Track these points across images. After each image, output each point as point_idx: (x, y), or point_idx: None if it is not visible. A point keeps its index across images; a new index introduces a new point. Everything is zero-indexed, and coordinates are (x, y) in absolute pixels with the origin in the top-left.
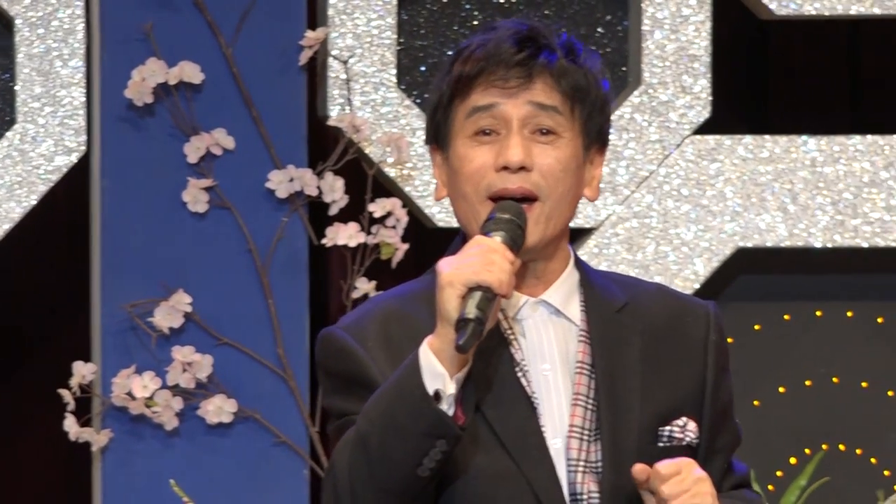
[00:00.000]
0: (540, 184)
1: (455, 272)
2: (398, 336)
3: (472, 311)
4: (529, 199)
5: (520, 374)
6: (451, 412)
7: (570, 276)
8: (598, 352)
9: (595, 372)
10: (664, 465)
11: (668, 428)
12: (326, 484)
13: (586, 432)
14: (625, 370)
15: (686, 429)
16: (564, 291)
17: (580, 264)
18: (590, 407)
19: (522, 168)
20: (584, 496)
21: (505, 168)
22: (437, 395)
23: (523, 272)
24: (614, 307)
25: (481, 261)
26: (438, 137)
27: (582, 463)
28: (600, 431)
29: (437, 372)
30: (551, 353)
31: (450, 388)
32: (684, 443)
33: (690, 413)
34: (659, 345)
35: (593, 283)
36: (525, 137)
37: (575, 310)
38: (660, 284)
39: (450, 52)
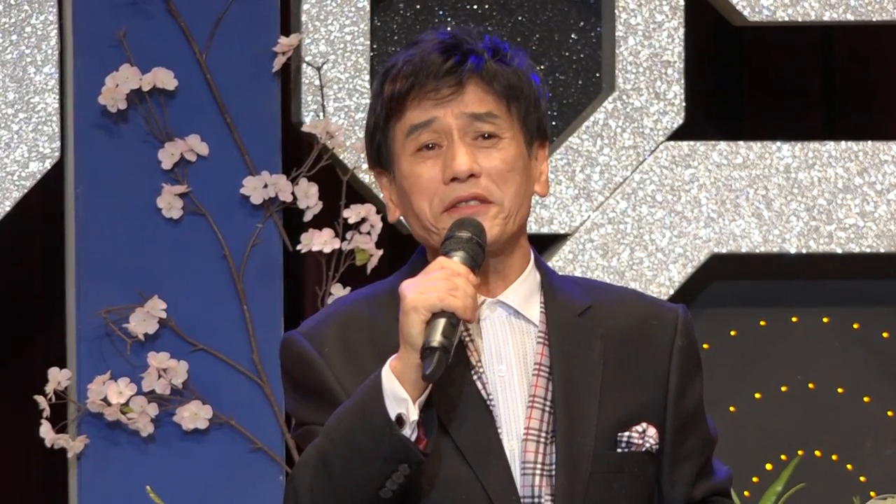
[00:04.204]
0: (490, 188)
1: (419, 297)
2: (357, 341)
3: (437, 339)
4: (481, 201)
5: (475, 377)
6: (413, 437)
7: (529, 277)
8: (556, 354)
9: (552, 375)
10: None
11: (626, 434)
12: (288, 500)
13: (543, 435)
14: (583, 374)
15: (645, 435)
16: (524, 292)
17: (541, 266)
18: (546, 409)
19: (471, 176)
20: (539, 499)
21: (454, 179)
22: (400, 420)
23: (482, 271)
24: (576, 310)
25: (445, 285)
26: (381, 159)
27: (539, 466)
28: (555, 435)
29: (400, 397)
30: (507, 354)
31: (412, 413)
32: (643, 449)
33: (652, 419)
34: (622, 349)
35: (555, 286)
36: (468, 144)
37: (534, 311)
38: (632, 289)
39: None
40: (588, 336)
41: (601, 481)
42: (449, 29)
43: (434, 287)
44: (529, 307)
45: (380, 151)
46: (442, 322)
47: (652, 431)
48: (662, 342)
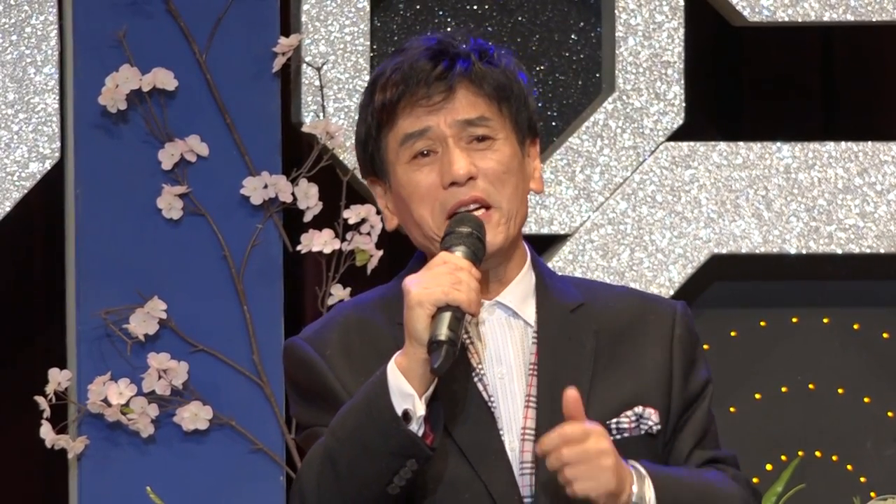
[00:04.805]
0: (489, 190)
1: (424, 292)
2: (358, 344)
3: (444, 333)
4: (483, 206)
5: (476, 380)
6: (420, 432)
7: (526, 277)
8: (545, 351)
9: (539, 373)
10: (570, 426)
11: (615, 420)
12: (294, 499)
13: (538, 434)
14: (571, 370)
15: (642, 417)
16: (520, 293)
17: (538, 266)
18: (539, 408)
19: (470, 179)
20: (538, 498)
21: (453, 184)
22: (407, 416)
23: (482, 275)
24: (568, 307)
25: (450, 280)
26: (375, 169)
27: (536, 465)
28: (539, 431)
29: (406, 392)
30: (507, 356)
31: (419, 408)
32: (641, 432)
33: (652, 404)
34: (618, 343)
35: (549, 285)
36: (463, 148)
37: (530, 311)
38: (631, 288)
39: None
40: (579, 332)
41: None
42: (434, 34)
43: (438, 282)
44: (526, 307)
45: (373, 161)
46: (447, 316)
47: (650, 412)
48: (661, 333)
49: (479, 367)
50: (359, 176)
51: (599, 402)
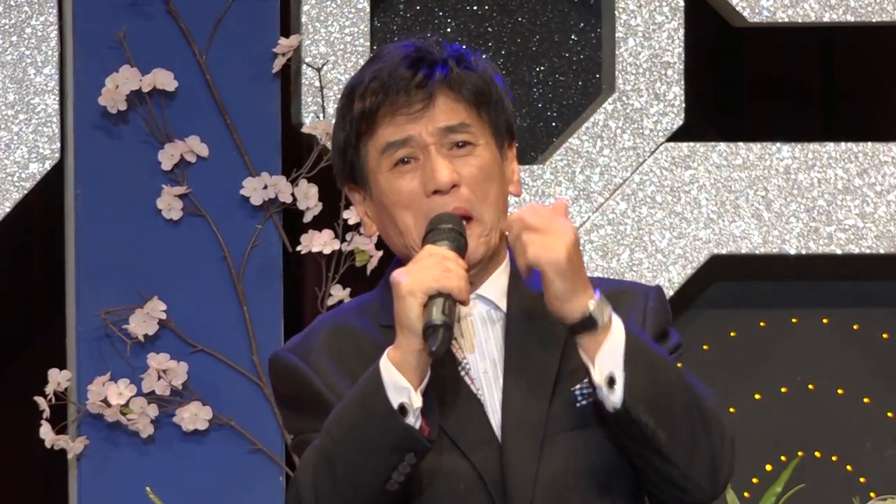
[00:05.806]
0: (471, 199)
1: (414, 281)
2: (342, 347)
3: (439, 317)
4: (465, 217)
5: (463, 374)
6: (417, 425)
7: (504, 271)
8: (512, 339)
9: (505, 361)
10: (531, 205)
11: (578, 386)
12: None
13: (504, 420)
14: (539, 354)
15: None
16: (500, 285)
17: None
18: None
19: (453, 187)
20: None
21: (436, 192)
22: (403, 409)
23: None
24: (539, 294)
25: (439, 268)
26: (354, 176)
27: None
28: (505, 420)
29: (401, 385)
30: (490, 349)
31: (416, 401)
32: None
33: None
34: None
35: (521, 274)
36: (445, 155)
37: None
38: (605, 278)
39: None
40: (549, 317)
41: (560, 443)
42: (410, 40)
43: (427, 271)
44: (503, 300)
45: (353, 168)
46: (440, 301)
47: None
48: (635, 308)
49: (465, 361)
50: None
51: (568, 377)
